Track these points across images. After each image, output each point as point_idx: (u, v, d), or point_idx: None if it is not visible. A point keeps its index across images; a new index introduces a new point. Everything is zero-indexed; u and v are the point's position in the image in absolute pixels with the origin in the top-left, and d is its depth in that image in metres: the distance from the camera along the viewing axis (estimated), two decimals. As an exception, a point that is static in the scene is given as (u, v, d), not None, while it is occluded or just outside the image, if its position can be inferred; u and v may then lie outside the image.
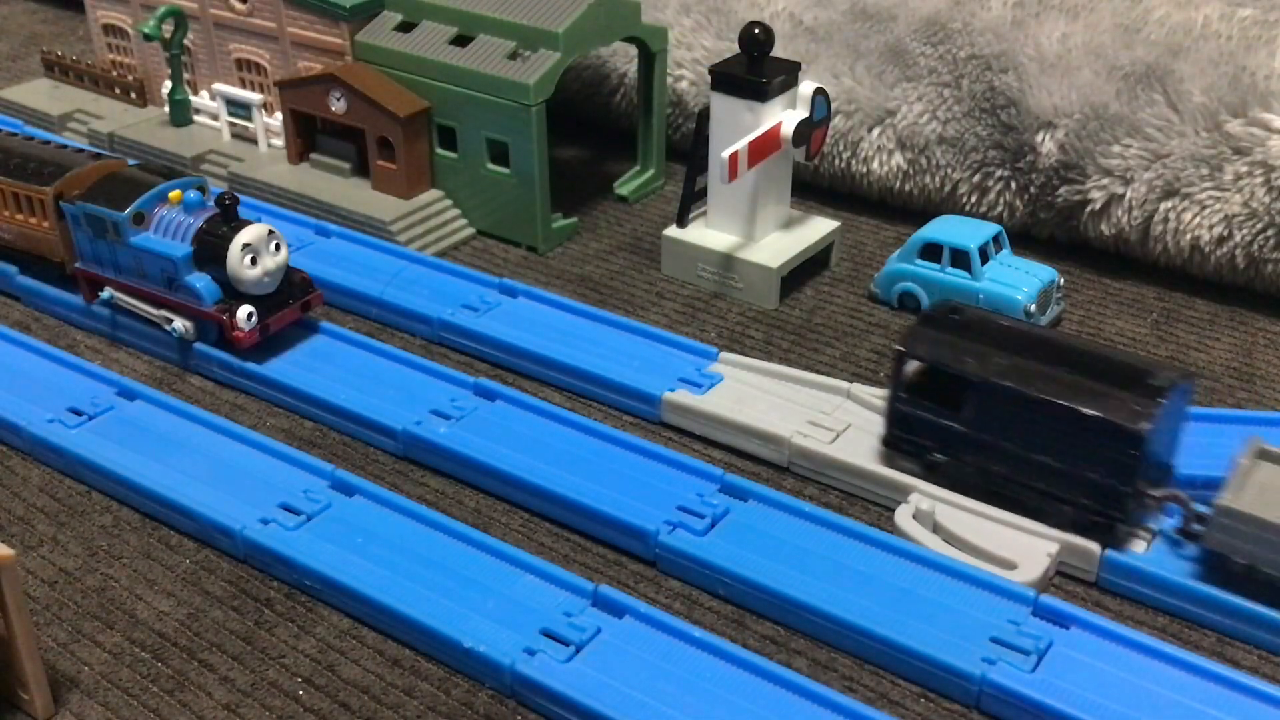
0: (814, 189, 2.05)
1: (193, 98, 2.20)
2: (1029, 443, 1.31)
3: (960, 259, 1.68)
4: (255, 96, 2.10)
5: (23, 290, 1.78)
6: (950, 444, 1.37)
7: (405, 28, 1.92)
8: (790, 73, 1.71)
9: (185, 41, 2.15)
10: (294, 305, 1.63)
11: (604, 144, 2.23)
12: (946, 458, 1.38)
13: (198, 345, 1.61)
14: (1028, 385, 1.29)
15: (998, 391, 1.31)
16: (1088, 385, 1.28)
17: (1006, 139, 1.84)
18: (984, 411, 1.33)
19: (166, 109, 2.22)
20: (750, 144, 1.65)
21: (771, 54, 1.70)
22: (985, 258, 1.69)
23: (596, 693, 1.13)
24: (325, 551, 1.29)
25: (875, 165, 1.95)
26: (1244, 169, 1.67)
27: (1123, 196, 1.75)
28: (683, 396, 1.52)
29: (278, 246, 1.59)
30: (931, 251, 1.70)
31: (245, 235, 1.55)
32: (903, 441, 1.40)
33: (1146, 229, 1.76)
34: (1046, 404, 1.28)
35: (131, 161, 1.79)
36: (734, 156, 1.63)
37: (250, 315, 1.57)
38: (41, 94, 2.35)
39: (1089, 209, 1.79)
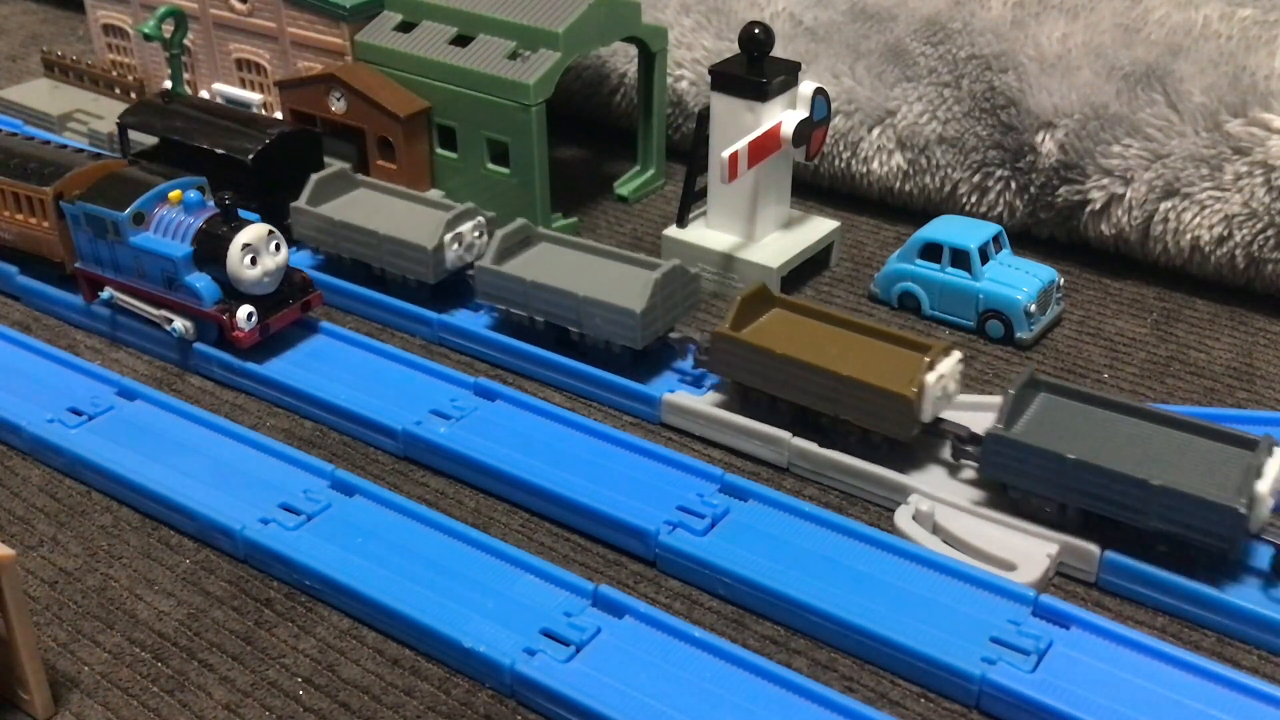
0: (814, 189, 2.05)
1: (193, 98, 2.20)
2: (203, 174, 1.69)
3: (960, 259, 1.68)
4: (255, 96, 2.10)
5: (23, 290, 1.78)
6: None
7: (405, 28, 1.92)
8: (790, 73, 1.71)
9: (185, 41, 2.15)
10: (294, 305, 1.63)
11: (604, 144, 2.23)
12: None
13: (198, 345, 1.61)
14: (188, 136, 1.80)
15: (172, 144, 1.81)
16: (223, 128, 1.80)
17: (1006, 139, 1.84)
18: (170, 161, 1.78)
19: (166, 109, 2.22)
20: (750, 144, 1.65)
21: (771, 54, 1.70)
22: (985, 258, 1.69)
23: (596, 693, 1.13)
24: (325, 551, 1.30)
25: (875, 165, 1.95)
26: (1244, 169, 1.67)
27: (1123, 196, 1.75)
28: (682, 397, 1.51)
29: (278, 246, 1.59)
30: (931, 251, 1.70)
31: (245, 235, 1.55)
32: None
33: (1146, 229, 1.76)
34: (195, 149, 1.78)
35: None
36: (734, 156, 1.63)
37: (250, 315, 1.57)
38: (41, 94, 2.35)
39: (1089, 209, 1.79)
